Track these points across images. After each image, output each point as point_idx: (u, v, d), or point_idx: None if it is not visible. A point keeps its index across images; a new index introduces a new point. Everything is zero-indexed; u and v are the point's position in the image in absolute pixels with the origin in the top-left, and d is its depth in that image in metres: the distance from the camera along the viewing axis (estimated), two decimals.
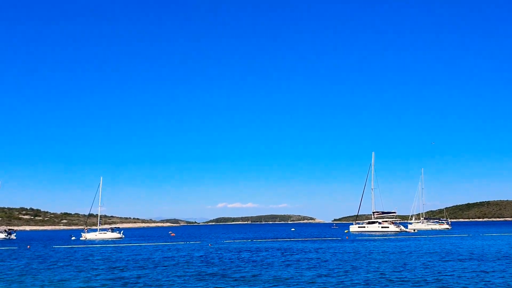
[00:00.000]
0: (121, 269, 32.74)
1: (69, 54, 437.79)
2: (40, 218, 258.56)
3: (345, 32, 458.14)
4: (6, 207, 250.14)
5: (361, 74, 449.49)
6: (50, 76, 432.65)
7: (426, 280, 24.86)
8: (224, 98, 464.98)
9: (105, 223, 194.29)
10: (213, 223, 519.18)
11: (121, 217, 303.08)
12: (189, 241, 77.13)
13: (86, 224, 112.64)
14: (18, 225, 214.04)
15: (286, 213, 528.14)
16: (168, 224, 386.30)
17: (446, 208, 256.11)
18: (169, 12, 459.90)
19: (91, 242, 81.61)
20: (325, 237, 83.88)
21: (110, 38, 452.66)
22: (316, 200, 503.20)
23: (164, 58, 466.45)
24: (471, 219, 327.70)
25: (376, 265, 32.31)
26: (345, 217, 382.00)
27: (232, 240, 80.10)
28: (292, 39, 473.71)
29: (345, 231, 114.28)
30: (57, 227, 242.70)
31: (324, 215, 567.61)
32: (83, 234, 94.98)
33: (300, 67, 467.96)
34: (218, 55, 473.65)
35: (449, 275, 26.61)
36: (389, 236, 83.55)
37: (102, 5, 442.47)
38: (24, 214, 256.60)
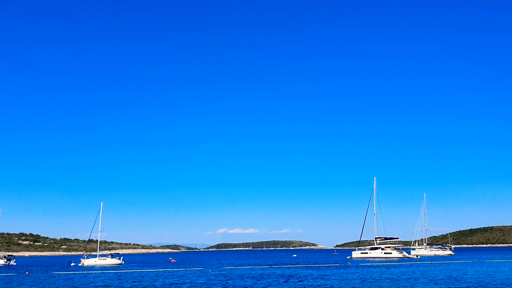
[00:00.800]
0: None
1: (70, 74, 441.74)
2: (40, 243, 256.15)
3: (348, 58, 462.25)
4: (6, 232, 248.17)
5: (363, 100, 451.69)
6: (47, 100, 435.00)
7: None
8: (224, 124, 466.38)
9: (105, 249, 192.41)
10: (214, 249, 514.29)
11: (121, 243, 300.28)
12: (190, 268, 76.10)
13: (85, 250, 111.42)
14: (17, 251, 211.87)
15: (287, 239, 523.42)
16: (169, 250, 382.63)
17: (449, 233, 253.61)
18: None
19: (91, 268, 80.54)
20: (328, 264, 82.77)
21: (108, 56, 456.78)
22: (318, 225, 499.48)
23: (164, 81, 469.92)
24: (474, 245, 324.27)
25: None
26: (347, 242, 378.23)
27: (234, 266, 79.03)
28: (296, 64, 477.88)
29: (348, 257, 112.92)
30: (56, 253, 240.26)
31: (326, 241, 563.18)
32: (82, 260, 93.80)
33: (302, 94, 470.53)
34: (217, 80, 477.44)
35: None
36: (392, 262, 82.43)
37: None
38: (23, 240, 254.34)
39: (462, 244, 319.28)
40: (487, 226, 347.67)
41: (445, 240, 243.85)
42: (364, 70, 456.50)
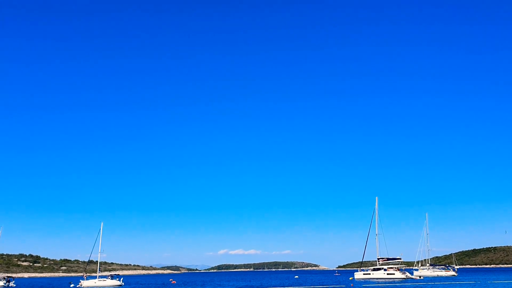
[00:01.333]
0: None
1: (72, 93, 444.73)
2: (39, 264, 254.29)
3: (349, 77, 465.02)
4: (5, 253, 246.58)
5: (364, 119, 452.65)
6: (47, 120, 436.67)
7: None
8: (223, 144, 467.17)
9: (105, 270, 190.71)
10: (214, 270, 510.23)
11: (121, 264, 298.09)
12: None
13: (85, 271, 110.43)
14: (17, 272, 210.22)
15: (289, 260, 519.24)
16: (169, 271, 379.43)
17: (452, 254, 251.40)
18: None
19: None
20: (331, 285, 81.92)
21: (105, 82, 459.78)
22: (320, 246, 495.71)
23: (164, 99, 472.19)
24: (478, 265, 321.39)
25: None
26: (349, 263, 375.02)
27: None
28: (298, 83, 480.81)
29: (350, 278, 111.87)
30: (56, 274, 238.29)
31: (328, 262, 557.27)
32: (81, 281, 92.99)
33: (303, 114, 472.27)
34: (220, 99, 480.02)
35: None
36: (395, 283, 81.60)
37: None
38: (23, 261, 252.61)
39: (465, 265, 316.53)
40: (490, 247, 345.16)
41: (448, 261, 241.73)
42: (365, 89, 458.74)
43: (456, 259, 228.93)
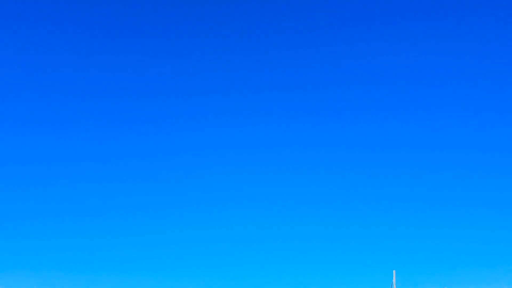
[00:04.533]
0: None
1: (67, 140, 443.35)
2: None
3: (360, 134, 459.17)
4: None
5: (378, 186, 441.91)
6: (51, 174, 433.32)
7: None
8: (236, 220, 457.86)
9: None
10: None
11: None
12: None
13: None
14: None
15: None
16: None
17: None
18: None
19: None
20: None
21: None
22: None
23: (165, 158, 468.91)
24: None
25: None
26: None
27: None
28: (306, 138, 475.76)
29: None
30: None
31: None
32: None
33: (311, 178, 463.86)
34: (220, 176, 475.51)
35: None
36: None
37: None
38: None
39: None
40: None
41: None
42: (381, 139, 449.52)
43: None
